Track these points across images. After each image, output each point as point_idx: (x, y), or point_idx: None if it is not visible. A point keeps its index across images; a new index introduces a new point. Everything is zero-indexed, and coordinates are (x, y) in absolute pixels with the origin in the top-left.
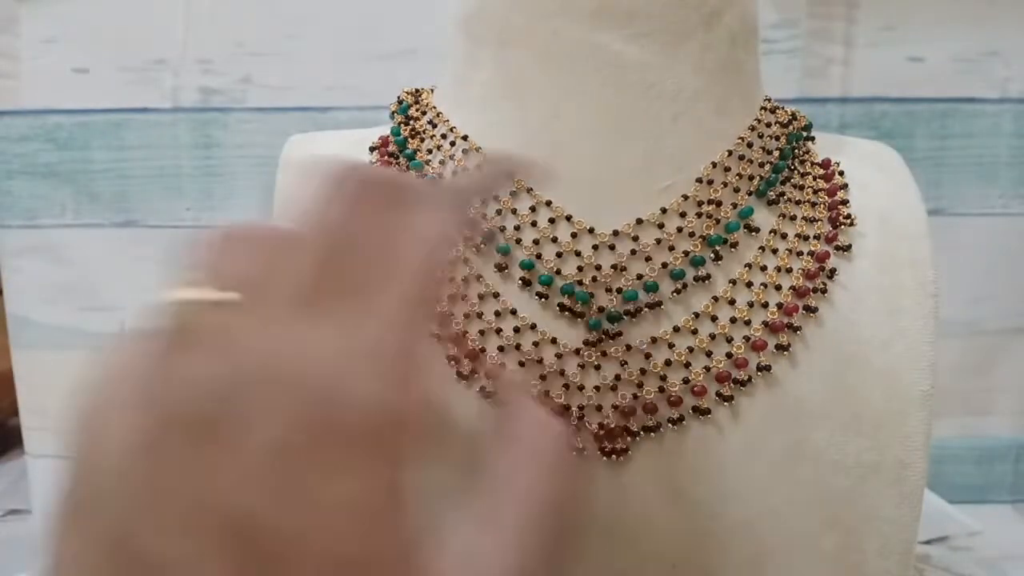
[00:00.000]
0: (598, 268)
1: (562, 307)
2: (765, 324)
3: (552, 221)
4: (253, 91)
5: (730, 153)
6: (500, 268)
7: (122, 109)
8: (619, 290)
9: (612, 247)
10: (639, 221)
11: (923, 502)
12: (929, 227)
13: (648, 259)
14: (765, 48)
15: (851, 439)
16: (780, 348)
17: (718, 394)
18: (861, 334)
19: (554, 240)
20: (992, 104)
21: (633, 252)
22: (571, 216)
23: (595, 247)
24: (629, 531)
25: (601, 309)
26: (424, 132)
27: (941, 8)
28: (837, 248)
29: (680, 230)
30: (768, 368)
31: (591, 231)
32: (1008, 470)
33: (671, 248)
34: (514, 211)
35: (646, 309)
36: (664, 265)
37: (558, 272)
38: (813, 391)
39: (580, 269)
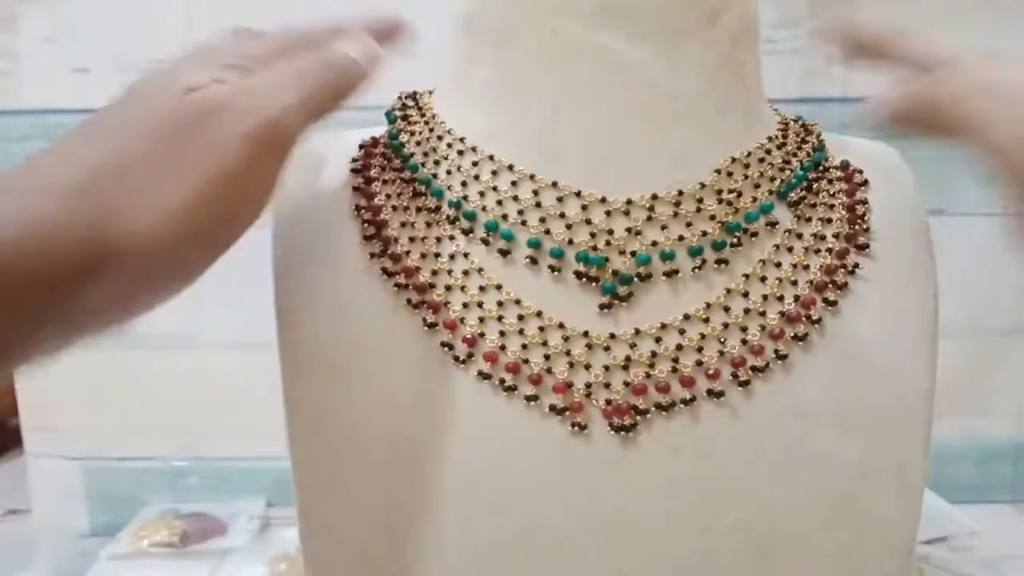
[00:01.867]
0: (610, 232)
1: (578, 275)
2: (781, 314)
3: (560, 200)
4: None
5: (749, 154)
6: (504, 254)
7: None
8: (633, 253)
9: (626, 213)
10: (655, 196)
11: (923, 502)
12: (930, 227)
13: (664, 227)
14: (766, 48)
15: (852, 439)
16: (796, 338)
17: (733, 375)
18: (862, 334)
19: (562, 216)
20: None
21: (649, 219)
22: (580, 192)
23: (608, 213)
24: (631, 527)
25: (615, 273)
26: (420, 134)
27: (941, 7)
28: (856, 247)
29: (699, 210)
30: (785, 357)
31: (603, 200)
32: (1008, 470)
33: (688, 224)
34: (515, 198)
35: (664, 277)
36: (681, 238)
37: (570, 242)
38: (813, 391)
39: (592, 236)
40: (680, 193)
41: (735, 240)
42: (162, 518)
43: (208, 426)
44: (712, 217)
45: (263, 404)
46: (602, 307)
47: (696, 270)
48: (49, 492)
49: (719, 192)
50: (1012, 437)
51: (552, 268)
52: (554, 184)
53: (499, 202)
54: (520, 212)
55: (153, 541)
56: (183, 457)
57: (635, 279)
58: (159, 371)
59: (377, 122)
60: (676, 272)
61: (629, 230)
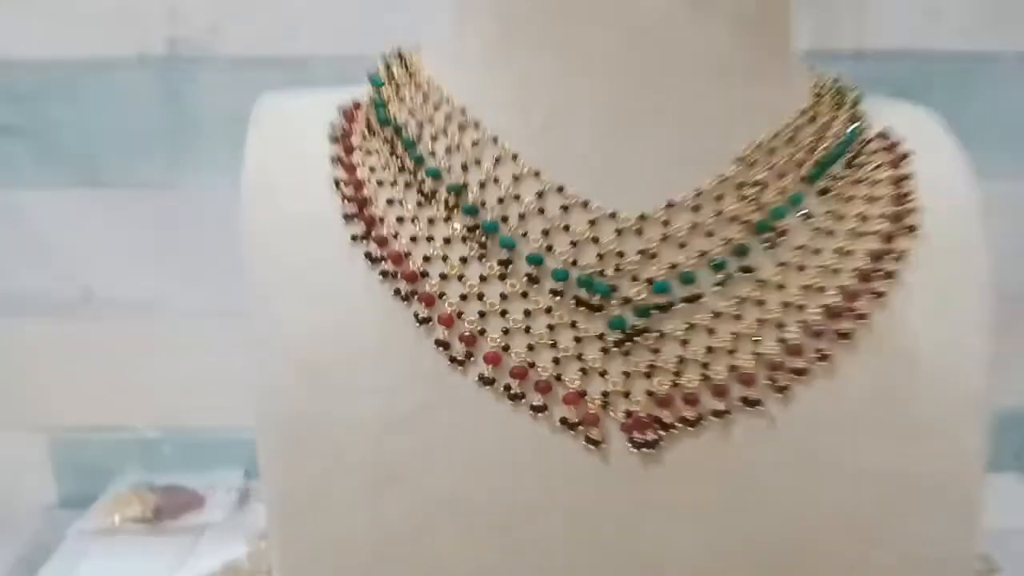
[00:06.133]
0: (620, 255)
1: (578, 301)
2: (823, 308)
3: (565, 209)
4: (224, 40)
5: (776, 135)
6: (503, 264)
7: (83, 60)
8: (649, 281)
9: (639, 231)
10: (670, 204)
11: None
12: (982, 205)
13: (683, 245)
14: None
15: (900, 449)
16: (840, 336)
17: (769, 379)
18: (911, 329)
19: (566, 229)
20: (1015, 61)
21: (664, 238)
22: (588, 202)
23: (618, 231)
24: (653, 557)
25: (627, 301)
26: (412, 100)
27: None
28: (904, 228)
29: (719, 214)
30: (828, 357)
31: (613, 216)
32: (1017, 439)
33: (709, 234)
34: (517, 197)
35: (682, 304)
36: (702, 254)
37: (574, 263)
38: (859, 396)
39: (600, 257)
40: (698, 194)
41: (764, 241)
42: (135, 491)
43: (182, 394)
44: (734, 219)
45: (240, 371)
46: (616, 344)
47: (719, 286)
48: (15, 464)
49: (740, 187)
50: (1021, 406)
51: (554, 292)
52: (560, 189)
53: (500, 200)
54: (522, 217)
55: (125, 516)
56: (156, 427)
57: (652, 312)
58: (128, 337)
59: (359, 75)
60: (699, 297)
61: (643, 252)
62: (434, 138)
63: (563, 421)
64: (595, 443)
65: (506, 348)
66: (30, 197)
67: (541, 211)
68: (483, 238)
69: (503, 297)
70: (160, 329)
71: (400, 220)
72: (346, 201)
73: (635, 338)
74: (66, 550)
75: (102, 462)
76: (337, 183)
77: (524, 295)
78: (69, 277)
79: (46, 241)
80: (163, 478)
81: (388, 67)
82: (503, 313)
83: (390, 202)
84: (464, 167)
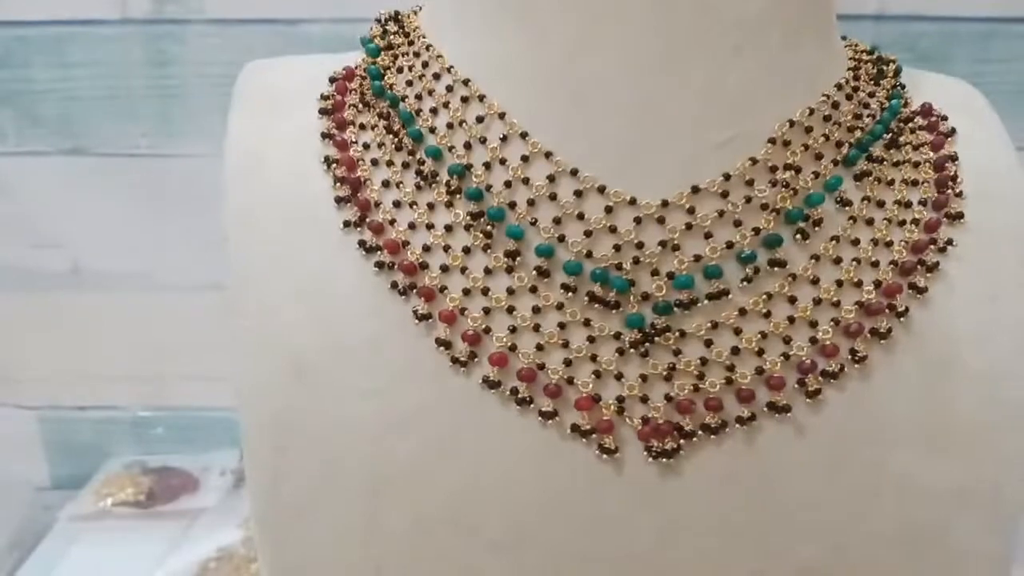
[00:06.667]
0: (640, 246)
1: (592, 297)
2: (860, 305)
3: (579, 194)
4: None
5: (812, 112)
6: (510, 255)
7: (66, 21)
8: (670, 275)
9: (661, 220)
10: (695, 189)
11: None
12: None
13: (708, 236)
14: None
15: (942, 459)
16: (877, 335)
17: (799, 383)
18: (955, 328)
19: (580, 217)
20: None
21: (688, 227)
22: (604, 187)
23: (637, 220)
24: (669, 568)
25: (646, 297)
26: (411, 70)
27: None
28: (948, 216)
29: (749, 200)
30: (864, 359)
31: (632, 202)
32: None
33: (737, 223)
34: (526, 181)
35: (706, 301)
36: (729, 245)
37: (588, 255)
38: (897, 401)
39: (617, 248)
40: (727, 178)
41: (797, 232)
42: (127, 472)
43: (175, 372)
44: (765, 206)
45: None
46: (634, 344)
47: (746, 282)
48: (5, 444)
49: (773, 170)
50: None
51: (565, 287)
52: (574, 172)
53: (507, 184)
54: (531, 203)
55: (117, 500)
56: (148, 406)
57: (674, 309)
58: (119, 312)
59: (354, 38)
60: (726, 293)
61: (664, 243)
62: (434, 112)
63: (574, 428)
64: (609, 452)
65: (513, 348)
66: (12, 165)
67: (553, 197)
68: (488, 226)
69: (510, 292)
70: (151, 304)
71: (397, 205)
72: (338, 183)
73: (654, 338)
74: (57, 534)
75: (94, 442)
76: (328, 162)
77: (533, 290)
78: (56, 249)
79: (29, 211)
80: (156, 459)
81: (385, 31)
82: (510, 310)
83: (386, 184)
84: (468, 146)
